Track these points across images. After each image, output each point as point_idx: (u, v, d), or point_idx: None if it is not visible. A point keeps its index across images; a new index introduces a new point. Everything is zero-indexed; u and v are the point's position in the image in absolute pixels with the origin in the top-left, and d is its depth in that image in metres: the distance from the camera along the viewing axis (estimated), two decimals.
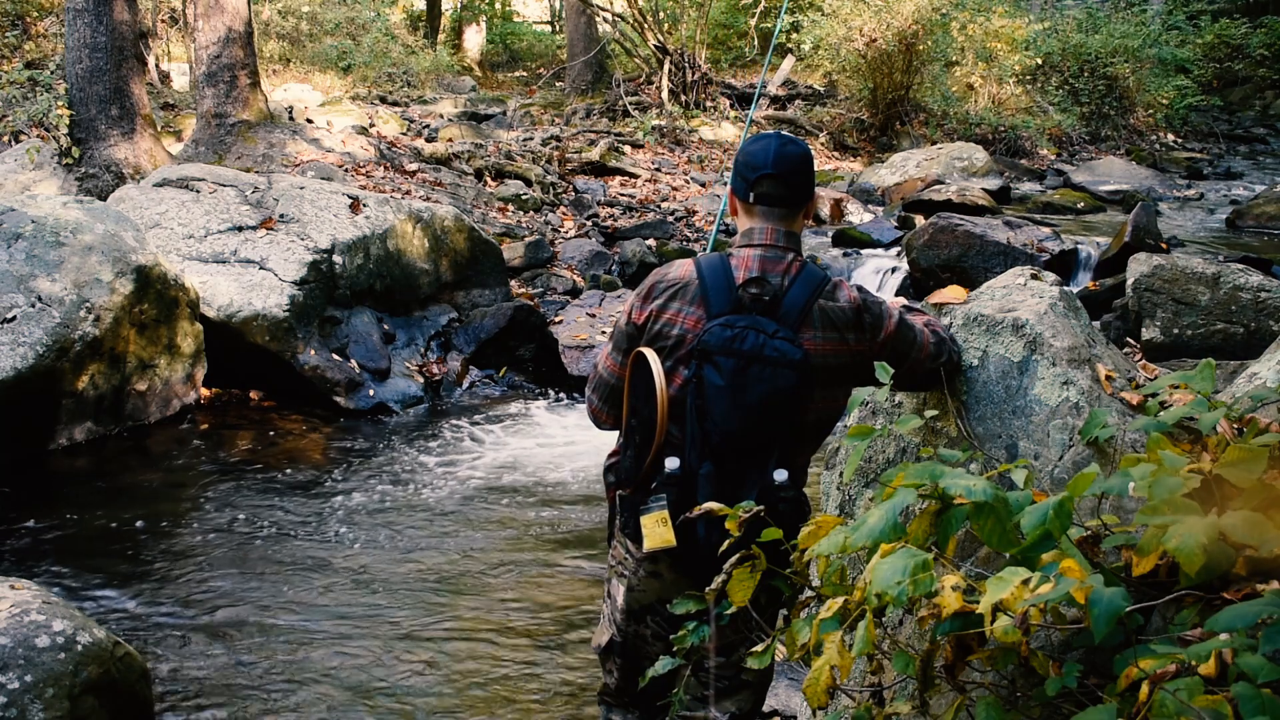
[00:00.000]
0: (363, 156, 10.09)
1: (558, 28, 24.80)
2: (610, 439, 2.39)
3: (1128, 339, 5.47)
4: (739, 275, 2.15)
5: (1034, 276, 2.49)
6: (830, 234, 9.47)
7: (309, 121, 11.44)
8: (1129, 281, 5.86)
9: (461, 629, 3.74)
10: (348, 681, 3.39)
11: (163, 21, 15.18)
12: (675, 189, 11.49)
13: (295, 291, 6.03)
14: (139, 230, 5.70)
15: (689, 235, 9.69)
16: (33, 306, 5.03)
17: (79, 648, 2.63)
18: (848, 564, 1.89)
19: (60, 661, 2.59)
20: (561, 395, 6.51)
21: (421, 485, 5.09)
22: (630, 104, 14.79)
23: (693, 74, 15.11)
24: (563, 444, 5.70)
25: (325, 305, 6.26)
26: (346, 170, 9.53)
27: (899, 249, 8.71)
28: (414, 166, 10.28)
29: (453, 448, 5.60)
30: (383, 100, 15.17)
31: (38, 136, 8.91)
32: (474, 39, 22.96)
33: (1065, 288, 2.47)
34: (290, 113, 11.62)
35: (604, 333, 6.78)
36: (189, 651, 3.55)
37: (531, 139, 12.68)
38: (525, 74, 21.52)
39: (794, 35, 15.57)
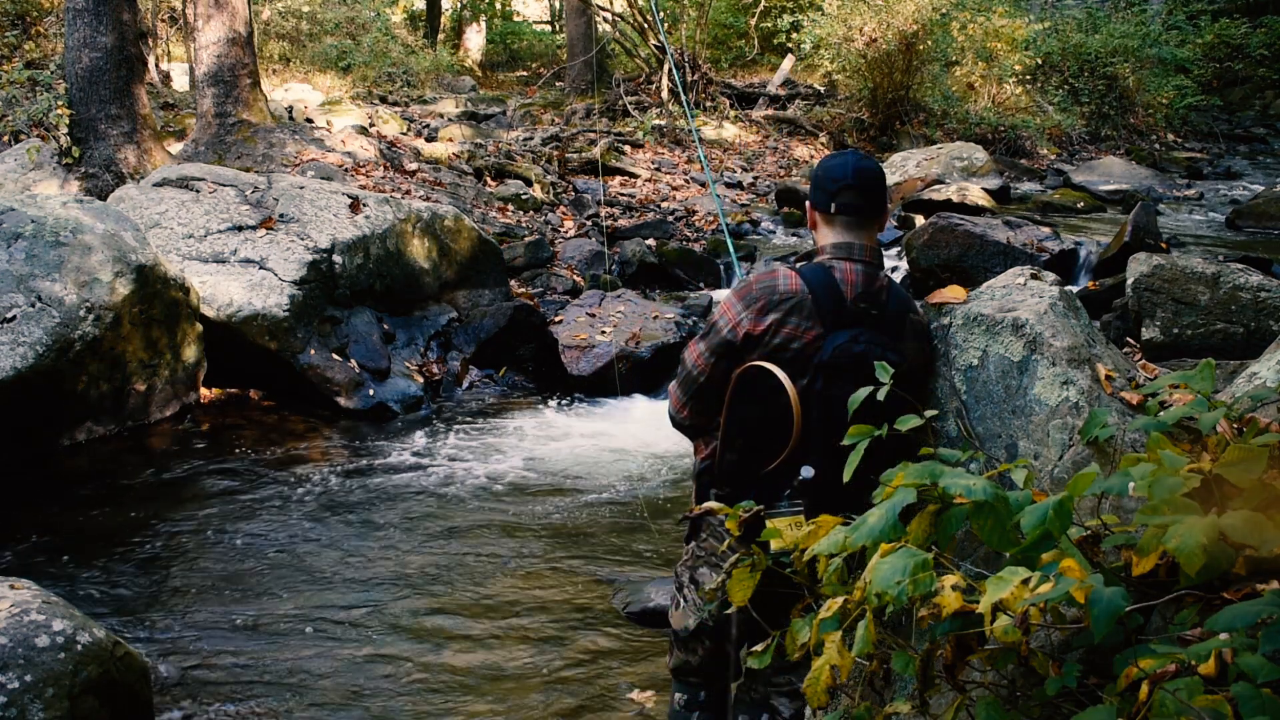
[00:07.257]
0: (363, 156, 10.08)
1: (558, 28, 24.79)
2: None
3: (1128, 339, 5.46)
4: (846, 290, 2.31)
5: (1034, 276, 2.49)
6: None
7: (309, 121, 11.43)
8: (1129, 281, 5.85)
9: (461, 628, 3.74)
10: (348, 681, 3.39)
11: (163, 21, 15.17)
12: (675, 189, 11.49)
13: (295, 291, 6.03)
14: (139, 230, 5.70)
15: (689, 235, 9.68)
16: (33, 306, 5.03)
17: (79, 647, 2.63)
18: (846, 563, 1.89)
19: (60, 661, 2.58)
20: (561, 395, 6.50)
21: (421, 485, 5.09)
22: (630, 104, 14.79)
23: (693, 74, 15.11)
24: (562, 443, 5.69)
25: (325, 305, 6.26)
26: (347, 170, 9.52)
27: (899, 248, 8.69)
28: (414, 166, 10.28)
29: (452, 447, 5.60)
30: (383, 100, 15.15)
31: (38, 136, 8.90)
32: (474, 39, 22.97)
33: (1065, 287, 2.47)
34: (290, 113, 11.61)
35: (604, 332, 6.77)
36: (189, 651, 3.55)
37: (531, 139, 12.67)
38: (525, 74, 21.50)
39: (794, 35, 15.57)
